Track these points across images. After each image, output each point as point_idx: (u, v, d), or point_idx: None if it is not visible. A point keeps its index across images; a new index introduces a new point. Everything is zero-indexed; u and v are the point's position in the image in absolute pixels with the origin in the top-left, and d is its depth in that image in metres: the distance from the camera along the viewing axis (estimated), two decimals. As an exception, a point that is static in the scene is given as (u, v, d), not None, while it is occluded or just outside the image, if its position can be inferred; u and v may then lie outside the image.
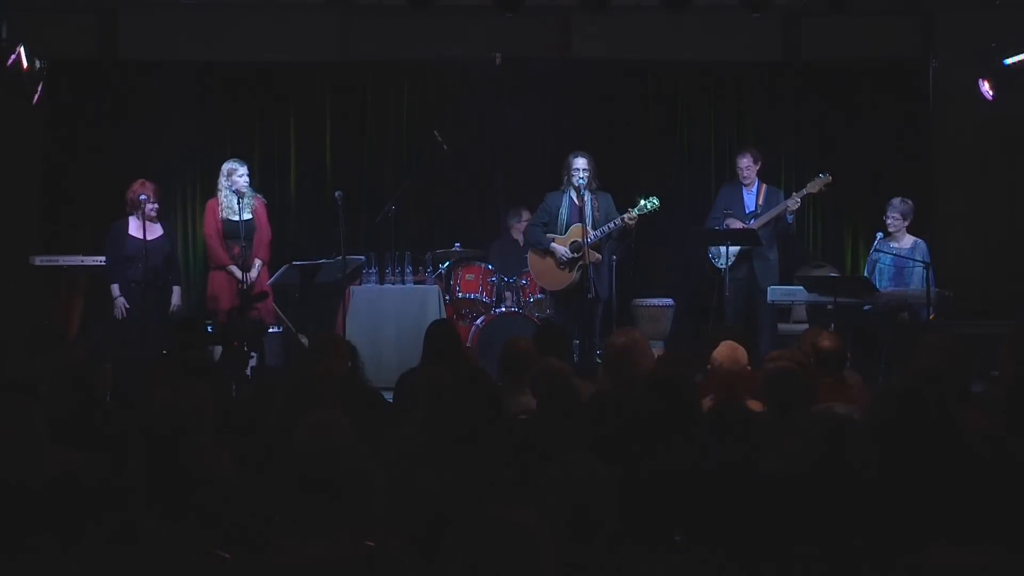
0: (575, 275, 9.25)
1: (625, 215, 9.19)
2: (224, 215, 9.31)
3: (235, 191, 9.28)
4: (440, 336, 6.33)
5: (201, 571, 3.12)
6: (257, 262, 9.32)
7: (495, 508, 2.67)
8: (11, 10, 9.61)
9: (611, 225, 9.21)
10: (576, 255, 9.20)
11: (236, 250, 9.21)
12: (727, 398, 5.04)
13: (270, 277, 9.41)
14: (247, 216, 9.29)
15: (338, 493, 3.20)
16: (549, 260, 9.39)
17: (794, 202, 9.67)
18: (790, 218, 9.80)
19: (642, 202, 9.22)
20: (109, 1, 11.25)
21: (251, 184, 9.47)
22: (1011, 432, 4.24)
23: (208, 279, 9.52)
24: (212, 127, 11.26)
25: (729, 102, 11.53)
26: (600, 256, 9.27)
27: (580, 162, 9.27)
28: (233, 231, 9.24)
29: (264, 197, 9.69)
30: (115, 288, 9.13)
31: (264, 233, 9.42)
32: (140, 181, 9.17)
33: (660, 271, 11.21)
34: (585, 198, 9.22)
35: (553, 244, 9.32)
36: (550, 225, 9.38)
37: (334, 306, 9.84)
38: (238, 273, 9.17)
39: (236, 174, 9.29)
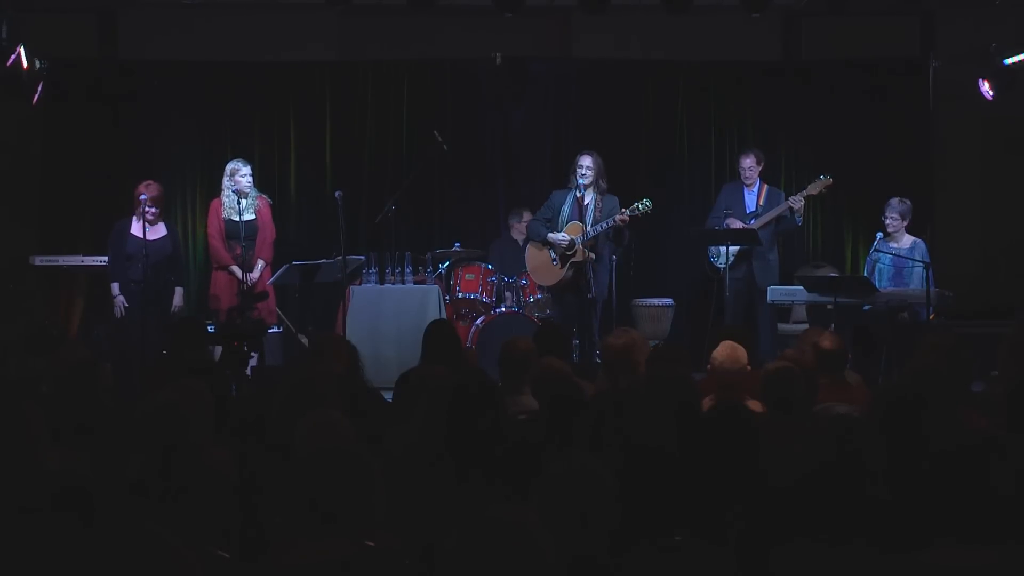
0: (566, 272, 9.30)
1: (616, 215, 9.21)
2: (226, 215, 9.30)
3: (237, 191, 9.27)
4: (439, 336, 6.32)
5: (201, 571, 3.12)
6: (260, 262, 9.32)
7: (495, 508, 2.67)
8: (11, 10, 9.61)
9: (603, 224, 9.22)
10: (569, 252, 9.24)
11: (238, 250, 9.21)
12: (727, 398, 5.04)
13: (272, 277, 9.41)
14: (250, 216, 9.28)
15: (338, 493, 3.19)
16: (544, 255, 9.45)
17: (796, 201, 9.67)
18: (799, 220, 9.80)
19: (635, 203, 9.24)
20: (109, 1, 11.25)
21: (253, 184, 9.47)
22: (1011, 432, 4.24)
23: (210, 279, 9.52)
24: (212, 127, 11.26)
25: (729, 102, 11.53)
26: (594, 255, 9.27)
27: (585, 160, 9.29)
28: (234, 231, 9.23)
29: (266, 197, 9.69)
30: (115, 287, 9.12)
31: (268, 233, 9.41)
32: (147, 182, 9.16)
33: (660, 271, 11.21)
34: (588, 198, 9.23)
35: (551, 235, 9.35)
36: (552, 221, 9.43)
37: (334, 306, 9.84)
38: (239, 273, 9.17)
39: (239, 174, 9.28)
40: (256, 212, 9.35)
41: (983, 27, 10.89)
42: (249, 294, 8.92)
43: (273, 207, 9.74)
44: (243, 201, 9.24)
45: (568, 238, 9.26)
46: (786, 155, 11.42)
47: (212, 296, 9.38)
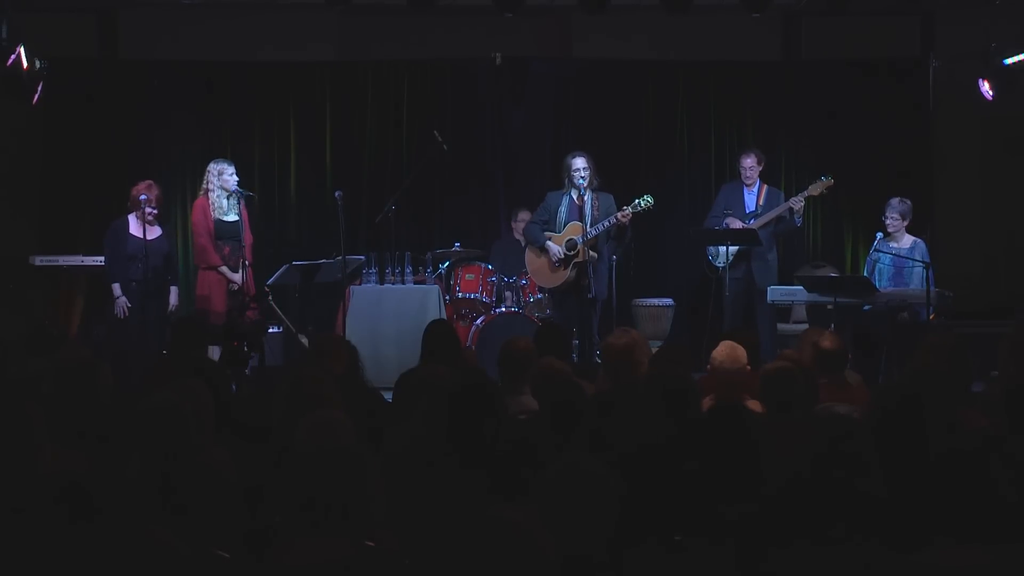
0: (570, 273, 9.29)
1: (619, 212, 9.19)
2: (216, 215, 9.27)
3: (225, 191, 9.24)
4: (438, 336, 6.32)
5: (201, 571, 3.12)
6: (245, 263, 9.27)
7: (495, 508, 2.67)
8: (11, 10, 9.60)
9: (606, 223, 9.21)
10: (571, 253, 9.24)
11: (227, 250, 9.20)
12: (727, 398, 5.04)
13: (262, 278, 9.38)
14: (236, 217, 9.26)
15: (338, 493, 3.19)
16: (544, 258, 9.43)
17: (796, 202, 9.67)
18: (799, 220, 9.80)
19: (636, 200, 9.22)
20: (109, 1, 11.26)
21: (244, 184, 9.46)
22: (1011, 432, 4.24)
23: (198, 279, 9.44)
24: (212, 127, 11.27)
25: (729, 102, 11.54)
26: (596, 255, 9.26)
27: (579, 162, 9.27)
28: (225, 231, 9.21)
29: (263, 197, 9.67)
30: (116, 288, 9.12)
31: (248, 234, 9.36)
32: (147, 183, 9.16)
33: (660, 271, 11.21)
34: (586, 198, 9.22)
35: (548, 243, 9.34)
36: (549, 224, 9.41)
37: (334, 306, 9.85)
38: (229, 274, 9.15)
39: (226, 174, 9.25)
40: (240, 213, 9.32)
41: (983, 27, 10.88)
42: (245, 295, 8.91)
43: (258, 207, 9.71)
44: (230, 201, 9.23)
45: (562, 250, 9.25)
46: (786, 155, 11.43)
47: (200, 297, 9.29)
